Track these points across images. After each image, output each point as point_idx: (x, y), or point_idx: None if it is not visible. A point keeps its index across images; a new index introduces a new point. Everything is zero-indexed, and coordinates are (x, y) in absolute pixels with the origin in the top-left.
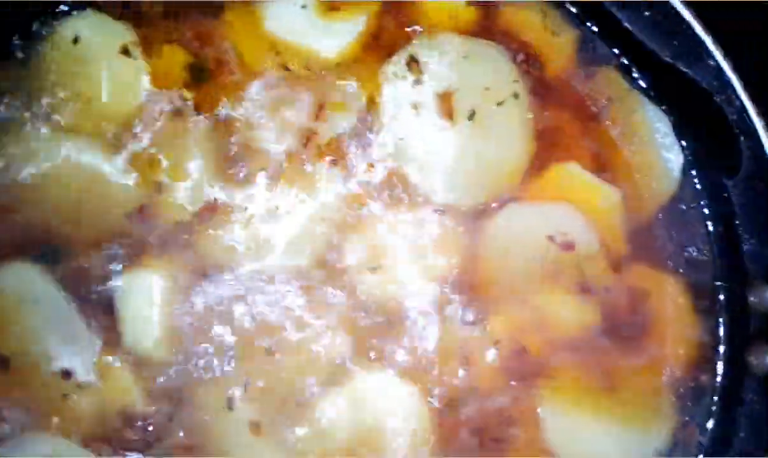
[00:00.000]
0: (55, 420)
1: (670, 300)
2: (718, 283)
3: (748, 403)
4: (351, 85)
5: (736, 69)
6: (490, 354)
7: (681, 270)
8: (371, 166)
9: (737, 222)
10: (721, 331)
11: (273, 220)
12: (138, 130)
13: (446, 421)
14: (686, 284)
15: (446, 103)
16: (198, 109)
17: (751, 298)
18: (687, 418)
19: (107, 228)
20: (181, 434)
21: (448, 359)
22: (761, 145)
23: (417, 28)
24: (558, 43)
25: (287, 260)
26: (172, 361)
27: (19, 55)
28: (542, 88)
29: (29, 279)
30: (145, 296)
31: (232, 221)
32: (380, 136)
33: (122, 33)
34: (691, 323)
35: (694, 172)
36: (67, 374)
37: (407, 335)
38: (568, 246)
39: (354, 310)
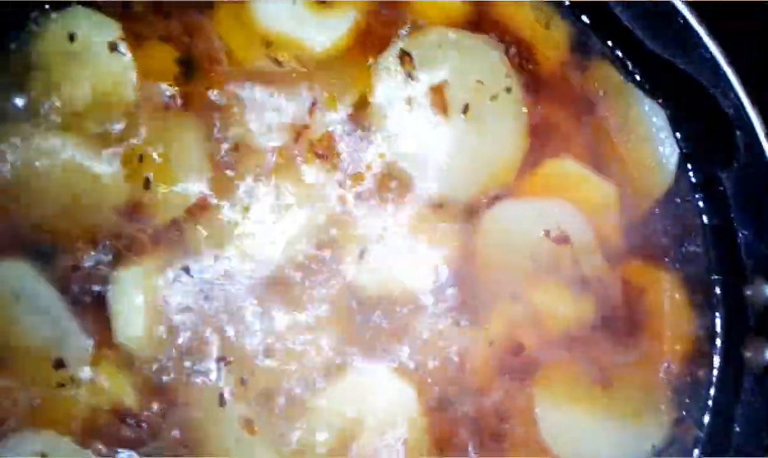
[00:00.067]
0: (49, 417)
1: (666, 295)
2: (714, 277)
3: (744, 398)
4: (343, 80)
5: (734, 66)
6: (486, 350)
7: (677, 265)
8: (364, 161)
9: (732, 215)
10: (718, 326)
11: (265, 216)
12: (128, 125)
13: (443, 419)
14: (682, 278)
15: (439, 98)
16: (188, 104)
17: (748, 292)
18: (683, 413)
19: (98, 225)
20: (176, 431)
21: (443, 356)
22: (756, 138)
23: (408, 22)
24: (551, 37)
25: (279, 256)
26: (163, 358)
27: (12, 48)
28: (536, 82)
29: (21, 277)
30: (136, 293)
31: (222, 218)
32: (373, 131)
33: (112, 28)
34: (687, 317)
35: (689, 166)
36: (59, 371)
37: (401, 332)
38: (563, 241)
39: (347, 307)
